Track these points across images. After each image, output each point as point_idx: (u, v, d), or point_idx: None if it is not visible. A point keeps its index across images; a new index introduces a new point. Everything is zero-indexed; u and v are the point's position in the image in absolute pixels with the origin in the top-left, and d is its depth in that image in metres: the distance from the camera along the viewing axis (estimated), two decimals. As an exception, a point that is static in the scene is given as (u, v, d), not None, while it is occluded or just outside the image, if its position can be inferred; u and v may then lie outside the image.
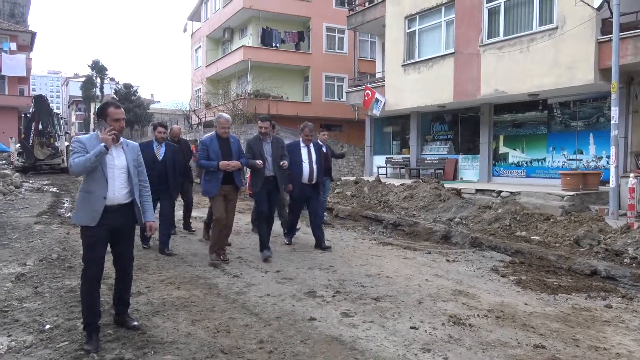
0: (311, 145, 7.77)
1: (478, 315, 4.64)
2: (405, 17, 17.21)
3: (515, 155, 15.22)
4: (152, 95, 77.88)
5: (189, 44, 40.73)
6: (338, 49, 30.12)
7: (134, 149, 4.13)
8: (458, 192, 11.87)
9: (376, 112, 17.79)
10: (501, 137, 15.64)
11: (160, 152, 7.47)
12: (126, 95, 53.04)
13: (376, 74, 21.29)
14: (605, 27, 11.33)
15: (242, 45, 29.28)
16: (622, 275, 6.32)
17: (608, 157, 11.23)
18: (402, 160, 19.19)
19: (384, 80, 18.40)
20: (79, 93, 67.39)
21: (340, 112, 27.85)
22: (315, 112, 28.23)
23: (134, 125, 47.64)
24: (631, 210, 9.11)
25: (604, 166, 12.54)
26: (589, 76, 11.56)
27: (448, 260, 7.07)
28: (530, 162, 14.74)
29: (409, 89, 16.95)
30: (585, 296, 5.41)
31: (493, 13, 14.17)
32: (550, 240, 8.16)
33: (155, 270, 6.22)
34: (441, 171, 17.06)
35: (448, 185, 12.84)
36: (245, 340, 3.96)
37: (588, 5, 11.09)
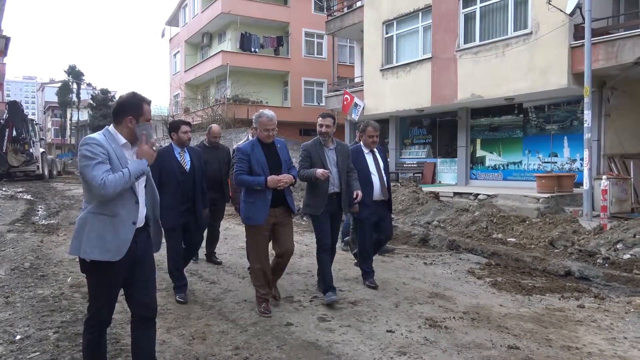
0: (376, 150, 5.98)
1: (454, 318, 4.67)
2: (383, 23, 17.35)
3: (492, 159, 15.42)
4: (130, 101, 76.86)
5: (167, 49, 40.44)
6: (317, 54, 30.22)
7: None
8: (436, 196, 11.97)
9: (355, 117, 17.85)
10: (478, 141, 15.83)
11: (186, 160, 5.37)
12: (103, 100, 52.50)
13: (355, 79, 21.40)
14: (577, 32, 11.57)
15: (221, 51, 29.19)
16: (595, 275, 6.44)
17: (582, 159, 11.44)
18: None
19: (363, 85, 18.53)
20: (55, 99, 66.39)
21: (320, 116, 27.87)
22: (295, 117, 28.26)
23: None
24: (604, 212, 9.29)
25: (578, 169, 12.78)
26: (563, 80, 11.78)
27: (425, 263, 7.12)
28: (507, 165, 14.95)
29: (387, 94, 17.08)
30: (559, 297, 5.49)
31: (469, 18, 14.36)
32: (526, 242, 8.28)
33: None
34: (420, 175, 17.20)
35: (426, 188, 12.94)
36: (221, 347, 3.93)
37: (561, 11, 11.32)
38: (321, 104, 27.73)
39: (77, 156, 3.00)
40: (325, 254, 5.26)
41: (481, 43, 13.82)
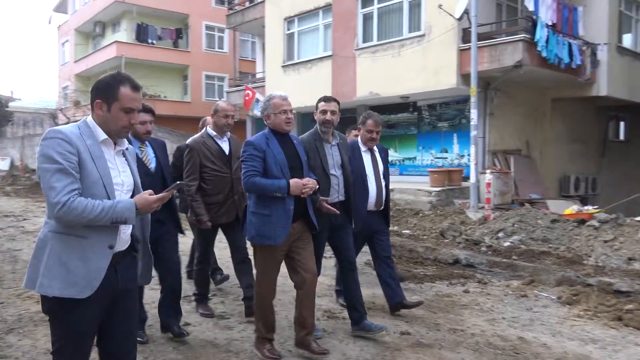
0: (376, 149, 4.80)
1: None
2: (285, 19, 17.40)
3: (389, 155, 16.03)
4: (12, 92, 70.72)
5: (55, 37, 37.66)
6: (218, 48, 29.63)
7: (134, 154, 2.54)
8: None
9: (257, 112, 17.76)
10: (377, 137, 16.38)
11: (149, 157, 4.02)
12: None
13: (257, 74, 21.28)
14: (465, 36, 12.33)
15: (116, 41, 27.67)
16: (480, 262, 6.94)
17: (469, 155, 12.25)
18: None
19: (265, 81, 18.47)
20: None
21: (222, 112, 27.39)
22: (195, 112, 27.49)
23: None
24: (488, 203, 10.03)
25: (465, 164, 13.66)
26: (452, 81, 12.52)
27: (325, 257, 7.25)
28: (403, 161, 15.65)
29: (289, 90, 16.90)
30: (447, 283, 5.86)
31: (367, 18, 14.81)
32: (420, 234, 8.74)
33: (10, 283, 5.66)
34: (322, 170, 17.46)
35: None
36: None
37: (450, 15, 12.02)
38: (222, 99, 27.28)
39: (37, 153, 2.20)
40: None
41: (379, 43, 14.32)
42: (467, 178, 12.14)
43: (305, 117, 18.79)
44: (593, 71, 12.77)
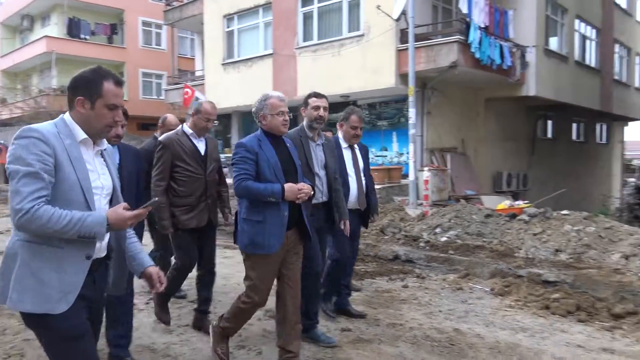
0: (356, 146, 4.72)
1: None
2: (224, 16, 17.17)
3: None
4: None
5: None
6: (156, 45, 28.85)
7: (111, 155, 2.37)
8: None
9: (197, 111, 17.45)
10: (318, 136, 16.48)
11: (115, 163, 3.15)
12: None
13: (196, 72, 20.88)
14: (403, 37, 12.61)
15: (45, 36, 26.37)
16: (418, 257, 7.12)
17: (408, 153, 12.55)
18: (224, 160, 19.10)
19: (204, 79, 18.16)
20: None
21: (159, 110, 26.56)
22: (132, 111, 26.18)
23: None
24: (426, 200, 10.32)
25: (405, 161, 13.99)
26: (391, 80, 12.77)
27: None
28: (345, 159, 15.79)
29: (229, 88, 16.95)
30: (387, 279, 5.98)
31: (307, 17, 14.86)
32: (361, 231, 8.85)
33: None
34: (264, 169, 17.38)
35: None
36: (41, 362, 3.57)
37: (388, 15, 12.25)
38: (160, 97, 26.59)
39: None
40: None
41: (319, 42, 14.40)
42: (406, 175, 12.43)
43: (245, 117, 18.62)
44: (522, 72, 13.39)
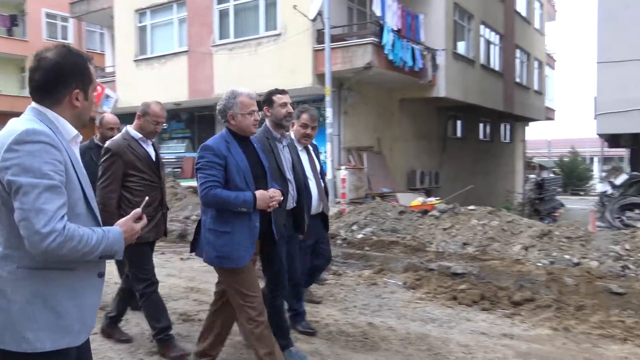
0: (310, 147, 4.42)
1: (208, 310, 4.73)
2: (136, 11, 16.52)
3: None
4: None
5: None
6: (62, 38, 27.13)
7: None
8: (195, 190, 11.94)
9: (107, 109, 16.65)
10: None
11: None
12: None
13: (106, 68, 19.92)
14: (320, 37, 12.75)
15: None
16: (335, 255, 7.22)
17: (325, 152, 12.71)
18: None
19: (115, 75, 17.39)
20: None
21: (68, 108, 25.23)
22: (37, 108, 25.02)
23: None
24: (344, 198, 10.51)
25: (322, 160, 14.15)
26: (308, 80, 12.87)
27: (182, 259, 7.07)
28: (263, 159, 15.72)
29: (142, 86, 16.32)
30: (305, 277, 6.02)
31: (224, 15, 14.63)
32: (279, 230, 8.87)
33: None
34: (180, 169, 16.94)
35: (185, 183, 12.83)
36: None
37: (305, 16, 12.34)
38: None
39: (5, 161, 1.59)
40: (280, 299, 3.62)
41: (236, 40, 14.22)
42: (324, 174, 12.55)
43: (161, 115, 18.05)
44: (433, 74, 13.98)
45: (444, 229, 8.08)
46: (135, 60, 16.52)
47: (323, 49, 12.04)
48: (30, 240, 1.57)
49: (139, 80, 16.41)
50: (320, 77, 12.70)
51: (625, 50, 10.74)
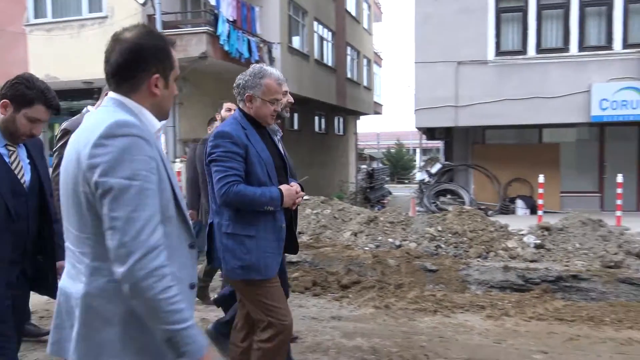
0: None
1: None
2: None
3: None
4: None
5: None
6: None
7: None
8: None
9: None
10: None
11: (23, 166, 2.46)
12: None
13: None
14: (151, 23, 12.10)
15: None
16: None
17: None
18: None
19: None
20: None
21: None
22: None
23: None
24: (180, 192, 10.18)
25: (158, 153, 13.57)
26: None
27: None
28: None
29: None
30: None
31: (39, -9, 13.16)
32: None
33: None
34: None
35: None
36: None
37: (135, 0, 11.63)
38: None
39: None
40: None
41: (54, 20, 12.89)
42: (158, 167, 12.04)
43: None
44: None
45: (280, 219, 8.28)
46: None
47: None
48: (116, 253, 1.34)
49: None
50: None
51: (437, 52, 12.01)
